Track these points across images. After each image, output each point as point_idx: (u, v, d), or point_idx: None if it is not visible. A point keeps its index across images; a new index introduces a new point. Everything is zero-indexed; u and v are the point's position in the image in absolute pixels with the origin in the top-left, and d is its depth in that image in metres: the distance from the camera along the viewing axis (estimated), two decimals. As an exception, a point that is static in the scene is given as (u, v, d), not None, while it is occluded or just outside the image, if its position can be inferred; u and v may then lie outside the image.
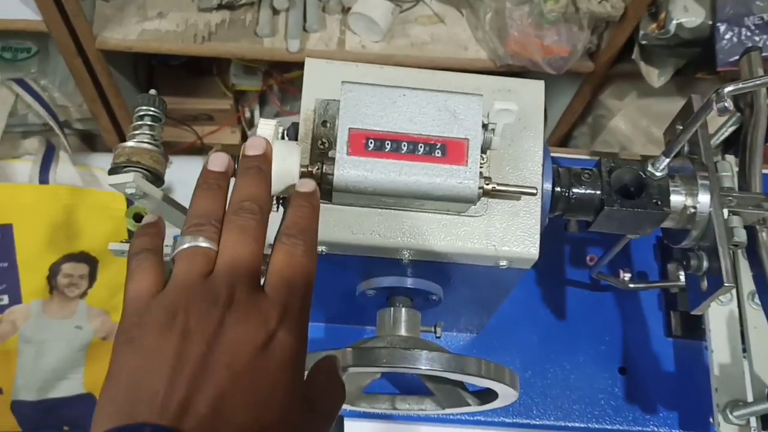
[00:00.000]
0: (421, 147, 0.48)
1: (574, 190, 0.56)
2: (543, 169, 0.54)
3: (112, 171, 0.56)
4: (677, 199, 0.55)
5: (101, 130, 1.40)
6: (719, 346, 0.71)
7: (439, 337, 0.61)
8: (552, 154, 0.85)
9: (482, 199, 0.52)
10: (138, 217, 0.61)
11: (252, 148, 0.42)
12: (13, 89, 1.41)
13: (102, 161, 1.39)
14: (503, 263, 0.53)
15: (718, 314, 0.72)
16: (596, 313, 0.78)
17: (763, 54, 0.89)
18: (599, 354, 0.77)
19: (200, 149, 1.52)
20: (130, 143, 0.56)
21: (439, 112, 0.48)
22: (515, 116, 0.49)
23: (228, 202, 0.40)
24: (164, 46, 1.09)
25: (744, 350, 0.68)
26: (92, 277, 1.36)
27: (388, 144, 0.48)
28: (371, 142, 0.47)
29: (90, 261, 1.35)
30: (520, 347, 0.76)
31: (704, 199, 0.55)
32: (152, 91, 0.58)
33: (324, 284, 0.62)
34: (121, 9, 1.11)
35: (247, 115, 1.50)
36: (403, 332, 0.59)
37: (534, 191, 0.51)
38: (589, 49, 1.12)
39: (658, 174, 0.55)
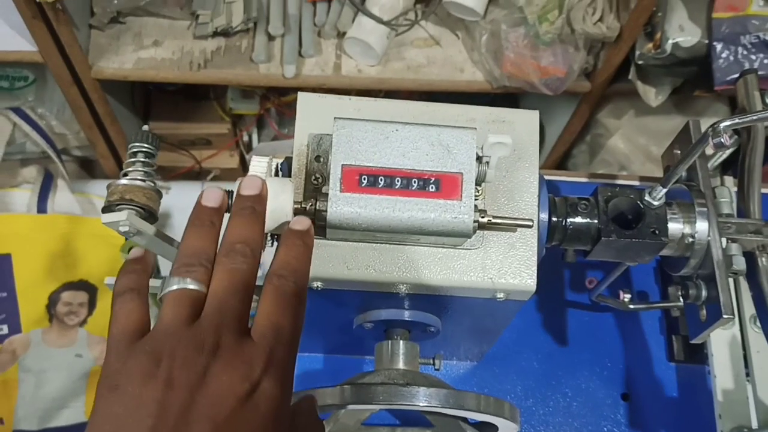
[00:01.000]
0: (414, 182, 0.47)
1: (571, 220, 0.55)
2: (539, 199, 0.53)
3: (106, 209, 0.56)
4: (675, 228, 0.55)
5: (98, 156, 1.40)
6: (722, 371, 0.70)
7: (438, 369, 0.61)
8: (550, 178, 0.85)
9: (478, 232, 0.52)
10: (134, 253, 0.60)
11: (247, 188, 0.41)
12: (10, 118, 1.41)
13: (100, 188, 1.39)
14: (500, 295, 0.52)
15: (720, 338, 0.71)
16: (597, 337, 0.77)
17: (761, 73, 0.89)
18: (601, 380, 0.76)
19: (198, 174, 1.52)
20: (123, 181, 0.55)
21: (432, 147, 0.48)
22: (510, 149, 0.49)
23: (220, 241, 0.39)
24: (160, 75, 1.09)
25: (747, 375, 0.67)
26: (92, 305, 1.36)
27: (381, 180, 0.47)
28: (364, 179, 0.47)
29: (89, 289, 1.35)
30: (521, 374, 0.75)
31: (702, 227, 0.54)
32: (145, 127, 0.58)
33: (321, 317, 0.62)
34: (117, 38, 1.11)
35: (245, 138, 1.50)
36: (401, 365, 0.58)
37: (530, 223, 0.50)
38: (585, 69, 1.12)
39: (656, 203, 0.54)
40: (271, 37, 1.11)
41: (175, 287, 0.36)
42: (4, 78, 1.45)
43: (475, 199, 0.52)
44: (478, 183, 0.51)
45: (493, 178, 0.51)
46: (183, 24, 1.12)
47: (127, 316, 0.36)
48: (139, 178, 0.56)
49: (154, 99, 1.55)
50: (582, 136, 1.33)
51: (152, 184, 0.57)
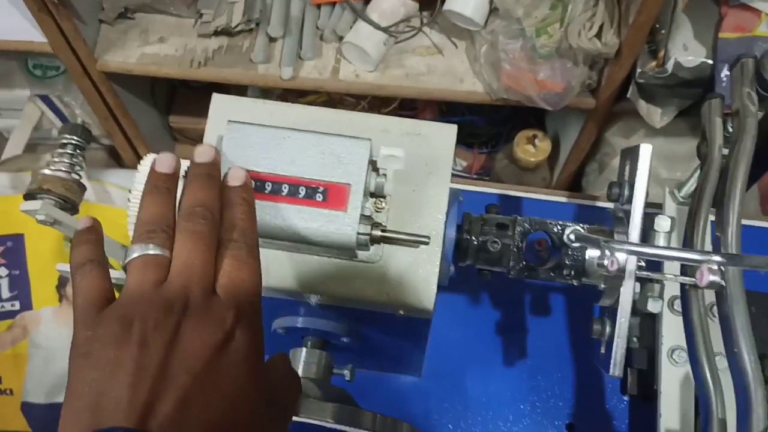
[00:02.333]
0: (302, 190, 0.47)
1: (483, 240, 0.53)
2: (447, 216, 0.52)
3: (28, 196, 0.57)
4: (592, 259, 0.52)
5: (117, 147, 1.44)
6: (669, 410, 0.66)
7: (349, 381, 0.60)
8: (517, 194, 0.83)
9: (379, 245, 0.51)
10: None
11: (202, 155, 0.42)
12: (38, 105, 1.47)
13: (117, 177, 1.43)
14: (400, 312, 0.51)
15: (671, 375, 0.68)
16: (549, 363, 0.74)
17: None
18: (548, 407, 0.73)
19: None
20: (45, 171, 0.57)
21: (323, 156, 0.47)
22: (402, 162, 0.47)
23: (178, 206, 0.40)
24: (162, 70, 1.11)
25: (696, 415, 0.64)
26: (100, 288, 1.40)
27: (268, 186, 0.47)
28: (251, 183, 0.47)
29: (98, 272, 1.39)
30: (464, 395, 0.73)
31: (620, 258, 0.51)
32: (79, 120, 0.59)
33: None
34: (125, 33, 1.14)
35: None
36: (307, 374, 0.57)
37: (427, 240, 0.49)
38: (589, 85, 1.08)
39: (575, 244, 0.52)
40: (273, 39, 1.12)
41: (137, 254, 0.36)
42: (39, 67, 1.51)
43: (378, 212, 0.52)
44: (377, 195, 0.50)
45: (392, 191, 0.50)
46: (189, 22, 1.14)
47: (90, 287, 0.36)
48: (62, 169, 0.57)
49: (179, 94, 1.59)
50: (593, 154, 1.29)
51: (76, 177, 0.58)
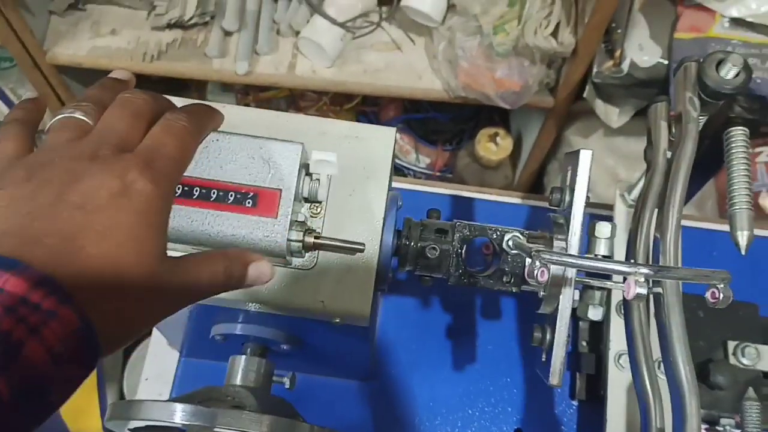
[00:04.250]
0: (231, 195, 0.45)
1: (422, 247, 0.52)
2: (385, 222, 0.50)
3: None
4: (528, 267, 0.51)
5: (73, 141, 1.40)
6: (615, 415, 0.66)
7: (289, 389, 0.58)
8: (471, 195, 0.82)
9: (314, 252, 0.49)
10: None
11: (118, 74, 0.42)
12: (-9, 97, 1.43)
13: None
14: (337, 320, 0.50)
15: (617, 380, 0.67)
16: (497, 368, 0.74)
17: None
18: (496, 413, 0.72)
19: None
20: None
21: (253, 160, 0.45)
22: (334, 167, 0.46)
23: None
24: (114, 63, 1.08)
25: (642, 421, 0.63)
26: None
27: (196, 191, 0.45)
28: (179, 188, 0.45)
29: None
30: (412, 400, 0.72)
31: (552, 268, 0.50)
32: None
33: (197, 327, 0.60)
34: (75, 25, 1.11)
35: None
36: (243, 382, 0.56)
37: (361, 247, 0.47)
38: (547, 84, 1.08)
39: (513, 252, 0.51)
40: (228, 32, 1.10)
41: (61, 116, 0.36)
42: (-8, 58, 1.47)
43: (313, 217, 0.50)
44: (312, 201, 0.49)
45: (328, 196, 0.49)
46: (142, 14, 1.11)
47: (10, 140, 0.36)
48: None
49: (137, 87, 1.55)
50: (554, 153, 1.29)
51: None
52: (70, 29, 1.10)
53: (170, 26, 1.09)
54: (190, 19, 1.05)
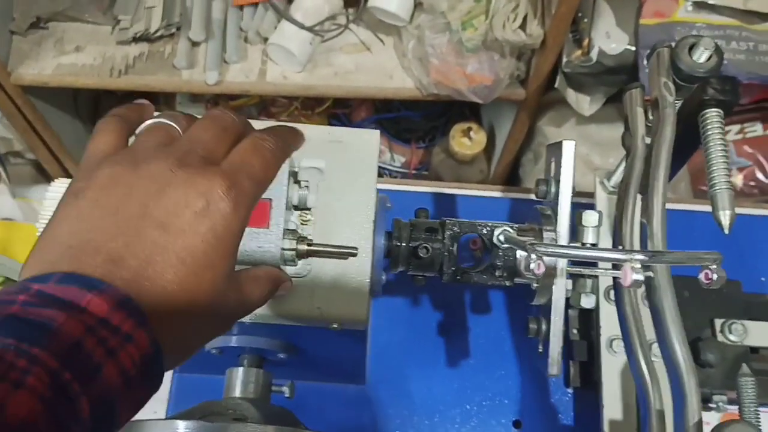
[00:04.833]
0: (221, 208, 0.45)
1: (413, 248, 0.52)
2: (375, 224, 0.51)
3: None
4: (521, 260, 0.51)
5: (42, 161, 1.38)
6: (611, 401, 0.67)
7: (289, 398, 0.58)
8: (451, 192, 0.82)
9: (308, 259, 0.49)
10: None
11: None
12: (-47, 120, 1.39)
13: (43, 193, 1.37)
14: (334, 325, 0.50)
15: (611, 365, 0.68)
16: (492, 361, 0.74)
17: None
18: (494, 406, 0.72)
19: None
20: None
21: (240, 171, 0.45)
22: (325, 173, 0.46)
23: None
24: (80, 81, 1.07)
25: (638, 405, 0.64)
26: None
27: (185, 206, 0.44)
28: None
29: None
30: (409, 400, 0.72)
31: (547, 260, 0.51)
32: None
33: None
34: (39, 44, 1.09)
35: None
36: (242, 394, 0.56)
37: (354, 252, 0.47)
38: (518, 76, 1.09)
39: (504, 246, 0.51)
40: (195, 43, 1.09)
41: (151, 122, 0.37)
42: (-49, 81, 1.44)
43: (304, 225, 0.50)
44: (301, 208, 0.49)
45: (315, 203, 0.49)
46: (106, 29, 1.10)
47: (106, 135, 0.36)
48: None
49: (103, 101, 1.52)
50: (528, 144, 1.30)
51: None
52: (33, 48, 1.08)
53: (136, 40, 1.07)
54: (156, 31, 1.04)
